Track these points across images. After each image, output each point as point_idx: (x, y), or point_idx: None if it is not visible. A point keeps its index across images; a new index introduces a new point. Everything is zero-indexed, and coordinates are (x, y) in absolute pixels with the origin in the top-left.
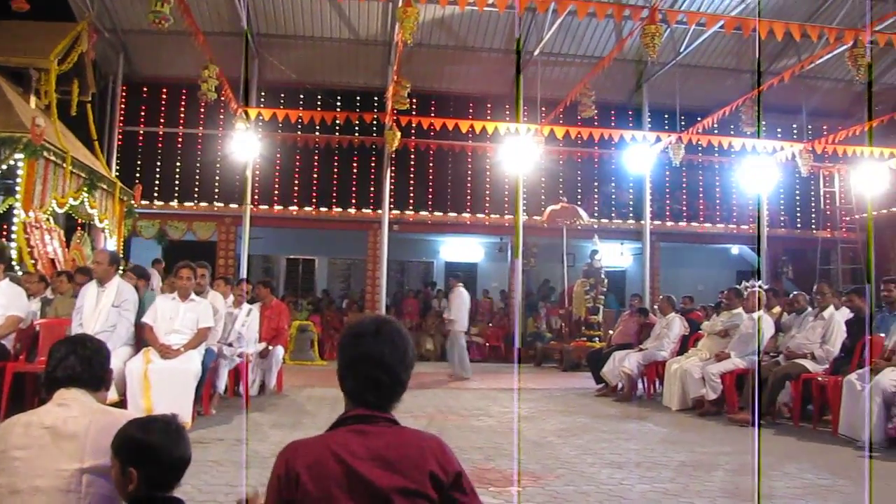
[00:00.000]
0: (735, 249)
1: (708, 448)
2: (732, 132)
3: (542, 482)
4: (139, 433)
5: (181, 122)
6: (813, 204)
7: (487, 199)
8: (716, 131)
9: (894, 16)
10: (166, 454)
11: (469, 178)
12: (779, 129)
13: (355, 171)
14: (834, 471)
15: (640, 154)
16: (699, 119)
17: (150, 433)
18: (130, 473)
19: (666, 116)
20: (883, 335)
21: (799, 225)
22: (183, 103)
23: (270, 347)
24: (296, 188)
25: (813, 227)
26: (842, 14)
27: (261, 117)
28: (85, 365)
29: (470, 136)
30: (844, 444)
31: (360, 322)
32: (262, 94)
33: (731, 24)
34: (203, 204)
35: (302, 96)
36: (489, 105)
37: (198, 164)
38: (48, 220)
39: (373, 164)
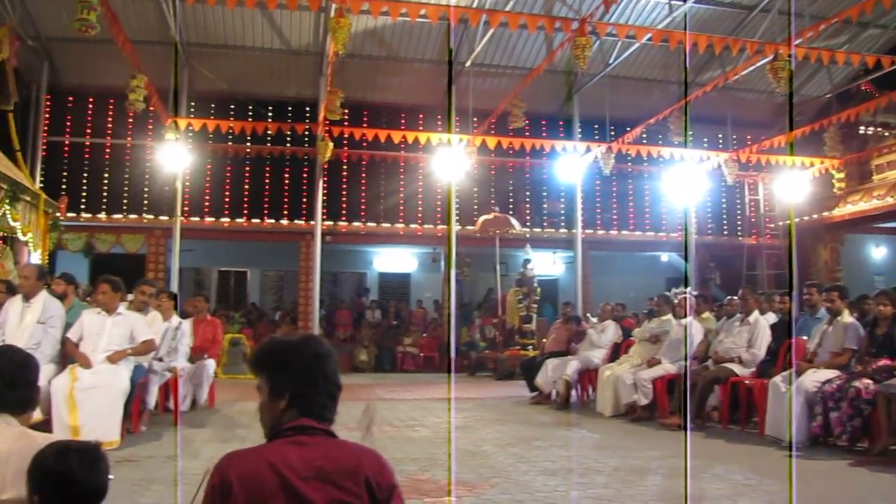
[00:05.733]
0: (665, 257)
1: (640, 453)
2: (661, 142)
3: (476, 491)
4: (51, 460)
5: (108, 132)
6: (738, 211)
7: (420, 209)
8: (644, 141)
9: (812, 31)
10: (76, 484)
11: (402, 189)
12: (705, 139)
13: (287, 181)
14: (760, 471)
15: (571, 164)
16: (628, 129)
17: (64, 461)
18: (34, 500)
19: (596, 127)
20: (805, 338)
21: (725, 232)
22: (110, 113)
23: (205, 360)
24: (227, 199)
25: (739, 234)
26: (763, 28)
27: (191, 128)
28: (8, 386)
29: (402, 146)
30: (770, 445)
31: (304, 341)
32: (193, 104)
33: (658, 37)
34: (132, 216)
35: (233, 106)
36: (421, 116)
37: (126, 176)
38: None
39: (305, 175)
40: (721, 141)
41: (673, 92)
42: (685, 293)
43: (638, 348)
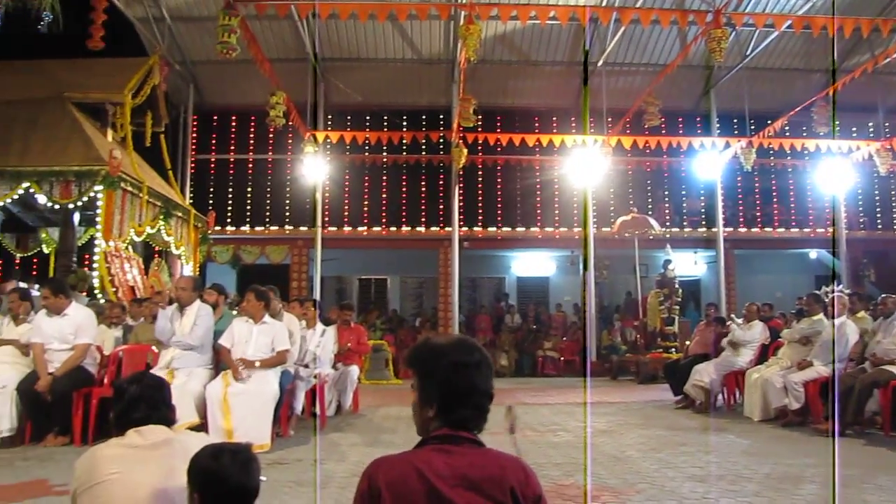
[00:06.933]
0: (813, 254)
1: (793, 460)
2: (805, 133)
3: (622, 497)
4: (208, 460)
5: (251, 148)
6: (894, 204)
7: (557, 212)
8: (787, 134)
9: None
10: (230, 483)
11: (538, 192)
12: (853, 128)
13: (423, 189)
14: None
15: (710, 160)
16: (769, 122)
17: (218, 461)
18: (194, 498)
19: (734, 121)
20: None
21: (880, 226)
22: (252, 130)
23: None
24: (365, 208)
25: (895, 227)
26: None
27: (328, 140)
28: (151, 407)
29: (537, 149)
30: None
31: (452, 347)
32: (329, 117)
33: (799, 24)
34: (275, 228)
35: (368, 117)
36: (554, 118)
37: (269, 189)
38: (127, 248)
39: (441, 182)
40: (871, 129)
41: (816, 80)
42: (836, 291)
43: (787, 350)
